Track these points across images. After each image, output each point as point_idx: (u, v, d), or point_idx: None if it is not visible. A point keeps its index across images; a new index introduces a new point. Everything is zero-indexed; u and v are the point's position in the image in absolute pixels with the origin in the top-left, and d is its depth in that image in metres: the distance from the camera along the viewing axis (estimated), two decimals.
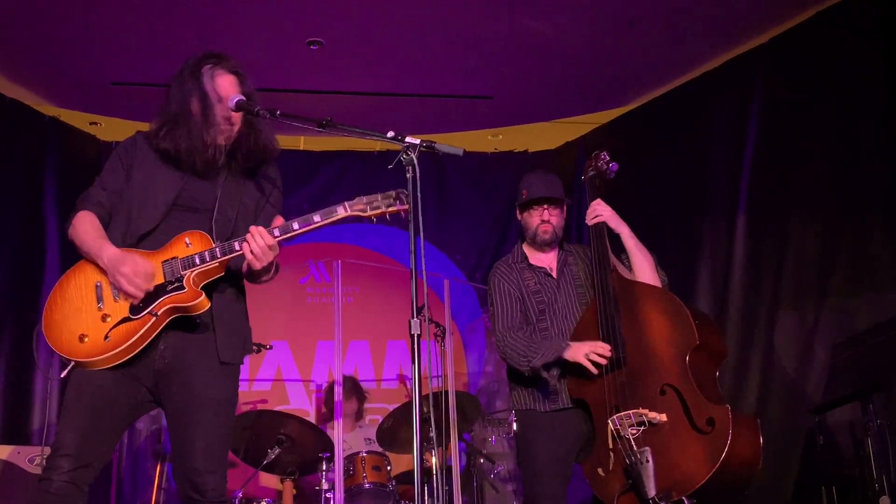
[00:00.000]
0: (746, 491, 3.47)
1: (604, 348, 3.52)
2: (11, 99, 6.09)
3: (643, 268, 3.78)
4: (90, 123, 6.71)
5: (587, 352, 3.53)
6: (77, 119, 6.61)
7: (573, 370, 3.65)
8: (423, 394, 4.03)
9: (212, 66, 3.01)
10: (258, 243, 2.82)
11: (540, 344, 3.70)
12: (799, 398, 5.01)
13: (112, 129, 6.74)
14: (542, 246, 3.95)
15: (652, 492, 3.23)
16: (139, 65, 5.86)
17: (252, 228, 2.85)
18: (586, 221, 3.85)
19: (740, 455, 3.25)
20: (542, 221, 3.91)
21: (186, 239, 2.91)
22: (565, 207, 4.01)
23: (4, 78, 5.95)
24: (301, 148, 7.19)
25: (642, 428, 3.38)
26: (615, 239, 3.85)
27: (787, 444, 4.88)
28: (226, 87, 3.00)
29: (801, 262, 5.18)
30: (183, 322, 2.88)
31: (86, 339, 2.79)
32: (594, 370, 3.51)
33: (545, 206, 3.92)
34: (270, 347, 5.64)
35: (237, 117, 3.01)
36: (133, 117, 6.51)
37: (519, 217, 4.02)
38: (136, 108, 6.35)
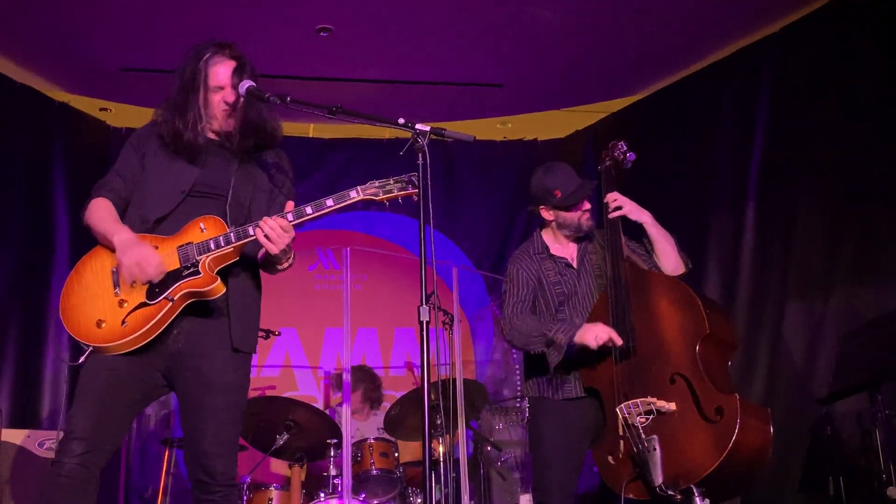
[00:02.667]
0: (755, 480, 3.49)
1: (614, 335, 3.51)
2: (22, 84, 6.11)
3: (667, 253, 3.78)
4: (100, 109, 6.73)
5: (597, 333, 3.51)
6: (87, 105, 6.64)
7: (586, 358, 3.65)
8: (432, 381, 4.04)
9: (211, 54, 3.04)
10: (272, 226, 2.83)
11: (554, 323, 3.68)
12: (806, 388, 5.01)
13: (122, 115, 6.76)
14: (581, 234, 3.92)
15: (659, 479, 3.24)
16: (149, 51, 5.87)
17: (266, 217, 2.87)
18: (608, 216, 3.82)
19: (749, 444, 3.25)
20: (584, 212, 3.89)
21: (201, 224, 2.93)
22: None
23: (15, 63, 5.96)
24: (310, 135, 7.20)
25: (651, 416, 3.38)
26: (637, 226, 3.83)
27: (794, 434, 4.89)
28: (224, 74, 3.02)
29: (808, 253, 5.17)
30: (196, 307, 2.90)
31: (103, 325, 2.81)
32: (594, 346, 3.50)
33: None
34: (279, 334, 5.66)
35: (239, 103, 3.02)
36: (143, 103, 6.51)
37: (552, 217, 3.91)
38: (146, 95, 6.35)
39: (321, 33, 5.74)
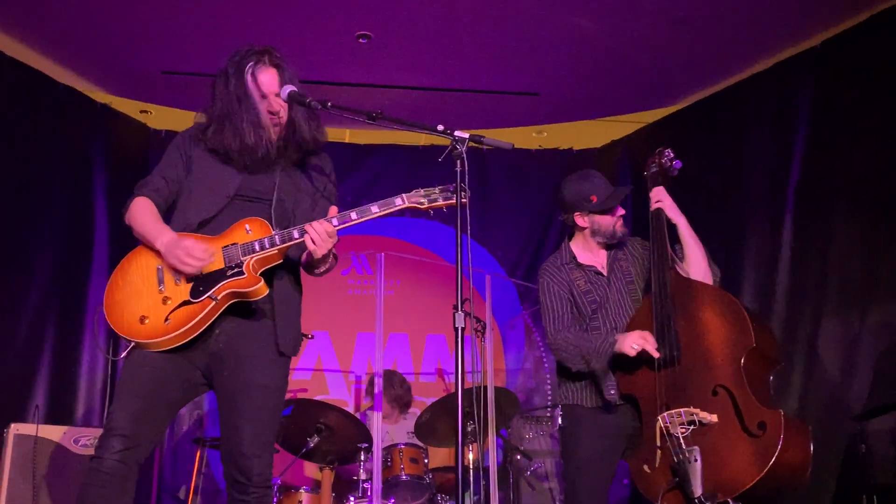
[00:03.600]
0: (790, 496, 3.45)
1: (649, 337, 3.50)
2: (65, 85, 6.19)
3: (697, 260, 3.75)
4: (140, 111, 6.80)
5: (633, 342, 3.51)
6: (128, 107, 6.70)
7: (625, 365, 3.64)
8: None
9: (254, 62, 3.04)
10: (317, 230, 2.86)
11: (593, 343, 3.67)
12: (841, 404, 4.95)
13: (162, 117, 6.84)
14: (616, 240, 3.93)
15: (698, 491, 3.21)
16: (190, 55, 5.93)
17: (312, 221, 2.90)
18: (652, 207, 3.83)
19: (789, 461, 3.22)
20: (618, 218, 3.91)
21: (246, 226, 2.96)
22: None
23: (58, 65, 6.04)
24: (346, 140, 7.24)
25: (692, 427, 3.35)
26: (670, 230, 3.83)
27: (828, 450, 4.83)
28: (269, 82, 3.03)
29: (845, 268, 5.12)
30: (239, 308, 2.93)
31: (146, 321, 2.84)
32: (632, 353, 3.50)
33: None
34: (312, 337, 5.69)
35: (284, 109, 3.05)
36: (183, 106, 6.59)
37: (587, 224, 3.91)
38: (186, 98, 6.43)
39: (360, 40, 5.77)
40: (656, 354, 3.48)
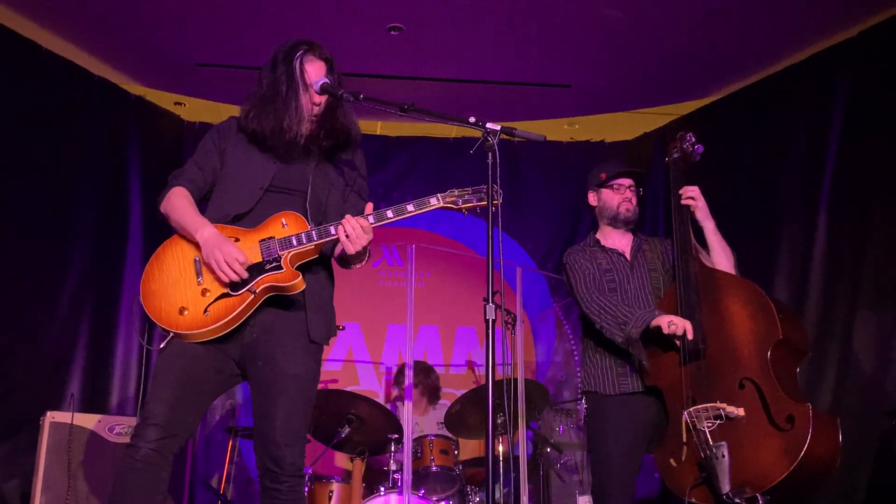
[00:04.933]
0: (820, 490, 3.42)
1: (688, 327, 3.47)
2: (100, 77, 6.27)
3: (722, 265, 3.74)
4: (175, 103, 6.86)
5: (671, 319, 3.49)
6: (162, 99, 6.77)
7: (650, 354, 3.62)
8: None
9: (303, 52, 3.09)
10: (353, 225, 2.88)
11: (632, 310, 3.64)
12: (875, 400, 4.90)
13: (196, 109, 6.90)
14: (623, 224, 3.96)
15: (727, 487, 3.19)
16: (223, 47, 5.98)
17: (347, 216, 2.92)
18: (682, 202, 3.80)
19: (819, 455, 3.19)
20: (624, 199, 3.94)
21: (283, 220, 2.99)
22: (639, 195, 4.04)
23: (93, 57, 6.12)
24: (378, 133, 7.26)
25: (718, 421, 3.33)
26: (696, 233, 3.81)
27: (861, 446, 4.79)
28: (315, 74, 3.07)
29: (881, 261, 5.06)
30: (271, 299, 2.95)
31: (185, 312, 2.87)
32: (674, 331, 3.47)
33: (626, 186, 3.97)
34: (342, 328, 5.70)
35: (322, 102, 3.07)
36: (217, 98, 6.65)
37: (596, 202, 4.04)
38: (220, 90, 6.49)
39: (392, 32, 5.78)
40: (690, 335, 3.45)
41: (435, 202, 3.02)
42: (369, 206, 3.03)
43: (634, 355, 3.69)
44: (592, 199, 4.05)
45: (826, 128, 5.48)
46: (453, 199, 3.02)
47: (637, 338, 3.57)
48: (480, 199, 2.98)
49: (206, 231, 2.92)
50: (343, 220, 2.92)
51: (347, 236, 2.90)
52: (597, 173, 4.04)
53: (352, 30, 5.78)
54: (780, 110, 5.88)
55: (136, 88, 6.57)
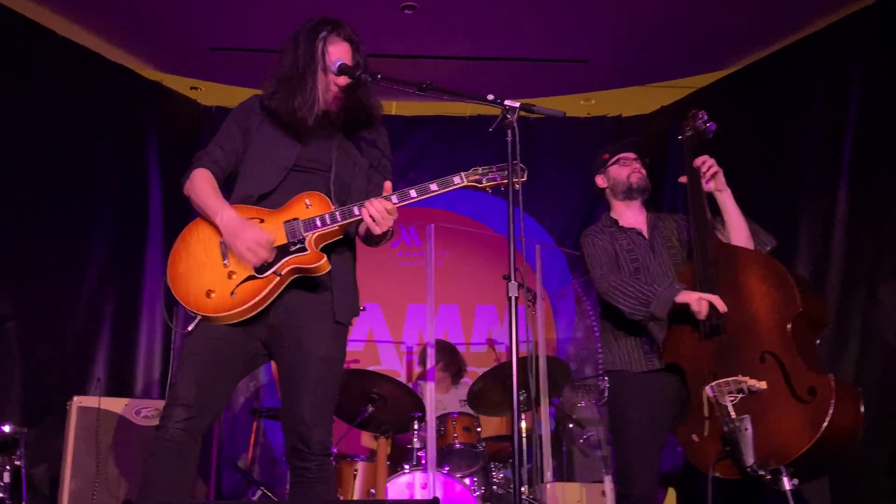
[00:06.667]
0: (844, 461, 3.42)
1: (718, 300, 3.44)
2: (115, 63, 6.28)
3: (741, 230, 3.72)
4: (190, 88, 6.88)
5: (700, 295, 3.45)
6: (178, 83, 6.79)
7: (670, 331, 3.62)
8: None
9: (328, 32, 3.06)
10: (377, 208, 2.89)
11: (652, 287, 3.61)
12: None
13: (212, 93, 6.91)
14: (638, 194, 3.95)
15: (751, 460, 3.19)
16: (238, 31, 5.98)
17: (372, 199, 2.93)
18: (700, 167, 3.76)
19: (841, 425, 3.18)
20: (633, 170, 3.96)
21: (307, 200, 2.99)
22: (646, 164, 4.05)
23: (109, 42, 6.14)
24: (394, 113, 7.25)
25: (741, 395, 3.32)
26: (711, 203, 3.79)
27: (885, 416, 4.76)
28: (339, 54, 3.05)
29: None
30: (296, 280, 2.97)
31: (212, 295, 2.89)
32: (701, 311, 3.43)
33: (631, 159, 3.99)
34: (363, 309, 5.72)
35: (343, 82, 3.06)
36: (232, 82, 6.66)
37: (605, 182, 4.03)
38: (235, 74, 6.49)
39: (406, 10, 5.76)
40: (722, 308, 3.42)
41: (458, 181, 3.02)
42: (387, 186, 3.03)
43: (654, 334, 3.68)
44: (601, 181, 4.04)
45: (845, 98, 5.42)
46: (477, 177, 3.02)
47: (663, 316, 3.54)
48: (504, 177, 2.97)
49: (225, 215, 2.93)
50: (367, 203, 2.92)
51: (373, 219, 2.90)
52: (599, 157, 4.07)
53: (366, 9, 5.75)
54: (797, 81, 5.82)
55: (151, 74, 6.59)
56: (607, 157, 4.01)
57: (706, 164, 3.76)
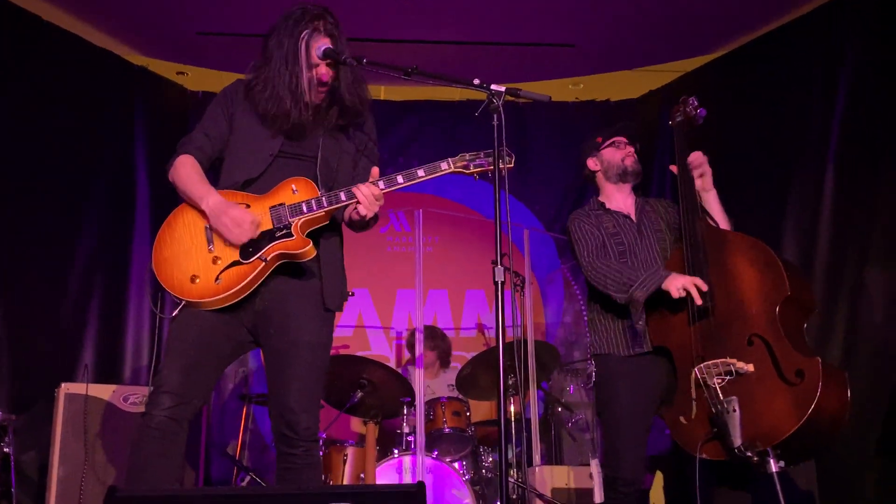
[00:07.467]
0: (831, 445, 3.44)
1: (701, 283, 3.45)
2: (102, 48, 6.24)
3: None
4: (177, 73, 6.84)
5: (683, 283, 3.45)
6: (165, 68, 6.75)
7: (657, 316, 3.63)
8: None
9: (310, 31, 3.01)
10: (366, 195, 2.88)
11: (637, 272, 3.62)
12: (886, 354, 4.90)
13: (199, 78, 6.87)
14: (632, 177, 3.97)
15: (738, 441, 3.21)
16: (225, 15, 5.94)
17: (359, 185, 2.92)
18: (691, 165, 3.78)
19: (828, 408, 3.21)
20: (627, 154, 3.98)
21: (293, 185, 2.99)
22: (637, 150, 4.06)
23: (95, 27, 6.09)
24: (382, 98, 7.22)
25: (728, 377, 3.35)
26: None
27: (873, 399, 4.79)
28: (321, 52, 3.01)
29: (890, 216, 5.03)
30: (283, 266, 2.96)
31: (197, 280, 2.88)
32: (679, 295, 3.44)
33: (624, 143, 4.00)
34: (352, 294, 5.72)
35: (330, 77, 3.04)
36: (219, 67, 6.61)
37: (598, 165, 4.02)
38: (223, 59, 6.46)
39: None
40: (699, 301, 3.44)
41: (445, 167, 3.02)
42: (374, 171, 3.01)
43: (633, 317, 3.69)
44: (593, 163, 4.03)
45: (834, 82, 5.42)
46: (464, 163, 3.02)
47: (640, 300, 3.54)
48: (491, 163, 2.95)
49: (210, 199, 2.92)
50: (354, 189, 2.92)
51: (360, 204, 2.90)
52: (591, 139, 4.07)
53: None
54: (786, 64, 5.82)
55: (138, 59, 6.55)
56: (601, 140, 4.02)
57: (697, 161, 3.78)
